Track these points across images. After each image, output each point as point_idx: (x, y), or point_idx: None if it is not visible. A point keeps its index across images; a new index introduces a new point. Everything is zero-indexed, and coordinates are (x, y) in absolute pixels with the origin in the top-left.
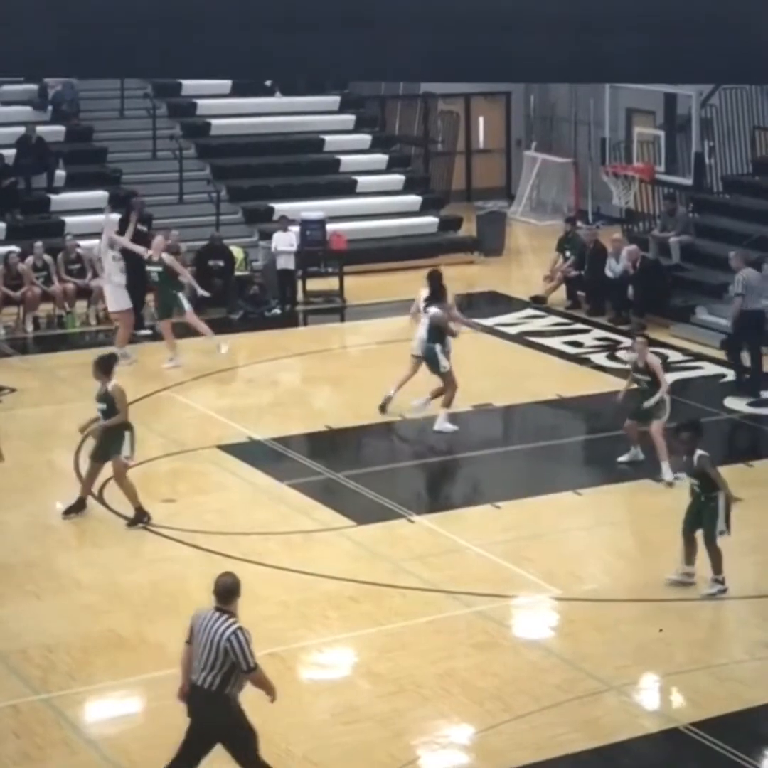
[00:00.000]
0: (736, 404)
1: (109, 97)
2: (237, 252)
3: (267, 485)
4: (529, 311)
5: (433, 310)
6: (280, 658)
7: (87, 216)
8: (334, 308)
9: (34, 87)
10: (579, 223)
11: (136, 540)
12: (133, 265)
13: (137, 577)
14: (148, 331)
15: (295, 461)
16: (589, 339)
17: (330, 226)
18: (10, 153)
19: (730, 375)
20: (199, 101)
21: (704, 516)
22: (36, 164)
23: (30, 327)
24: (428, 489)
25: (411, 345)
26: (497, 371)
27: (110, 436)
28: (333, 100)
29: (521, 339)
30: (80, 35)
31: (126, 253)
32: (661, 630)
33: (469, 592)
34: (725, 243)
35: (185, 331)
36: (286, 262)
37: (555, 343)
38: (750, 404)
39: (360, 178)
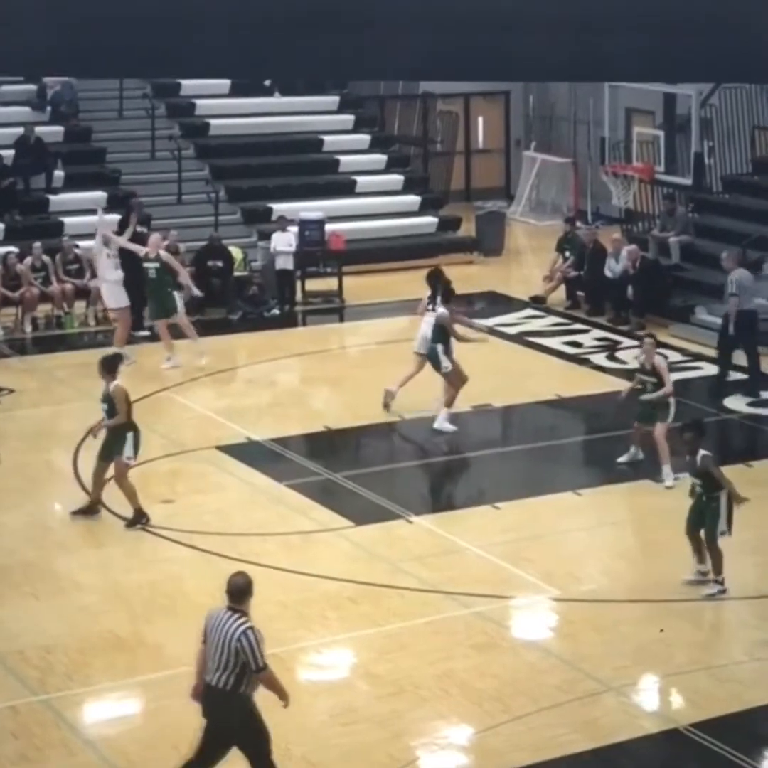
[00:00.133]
0: (736, 404)
1: (108, 97)
2: (236, 252)
3: (265, 486)
4: (529, 311)
5: (441, 309)
6: (278, 659)
7: (86, 216)
8: (333, 308)
9: (32, 87)
10: (578, 223)
11: (135, 541)
12: (131, 265)
13: (135, 577)
14: (146, 332)
15: (293, 462)
16: (588, 339)
17: (329, 227)
18: (8, 153)
19: (730, 375)
20: (198, 101)
21: (706, 516)
22: (35, 165)
23: (28, 327)
24: (427, 489)
25: (413, 343)
26: (497, 371)
27: (113, 437)
28: (332, 100)
29: (521, 339)
30: (80, 35)
31: (124, 253)
32: (661, 630)
33: (468, 592)
34: (725, 243)
35: (179, 332)
36: (284, 263)
37: (554, 343)
38: (749, 404)
39: (359, 178)
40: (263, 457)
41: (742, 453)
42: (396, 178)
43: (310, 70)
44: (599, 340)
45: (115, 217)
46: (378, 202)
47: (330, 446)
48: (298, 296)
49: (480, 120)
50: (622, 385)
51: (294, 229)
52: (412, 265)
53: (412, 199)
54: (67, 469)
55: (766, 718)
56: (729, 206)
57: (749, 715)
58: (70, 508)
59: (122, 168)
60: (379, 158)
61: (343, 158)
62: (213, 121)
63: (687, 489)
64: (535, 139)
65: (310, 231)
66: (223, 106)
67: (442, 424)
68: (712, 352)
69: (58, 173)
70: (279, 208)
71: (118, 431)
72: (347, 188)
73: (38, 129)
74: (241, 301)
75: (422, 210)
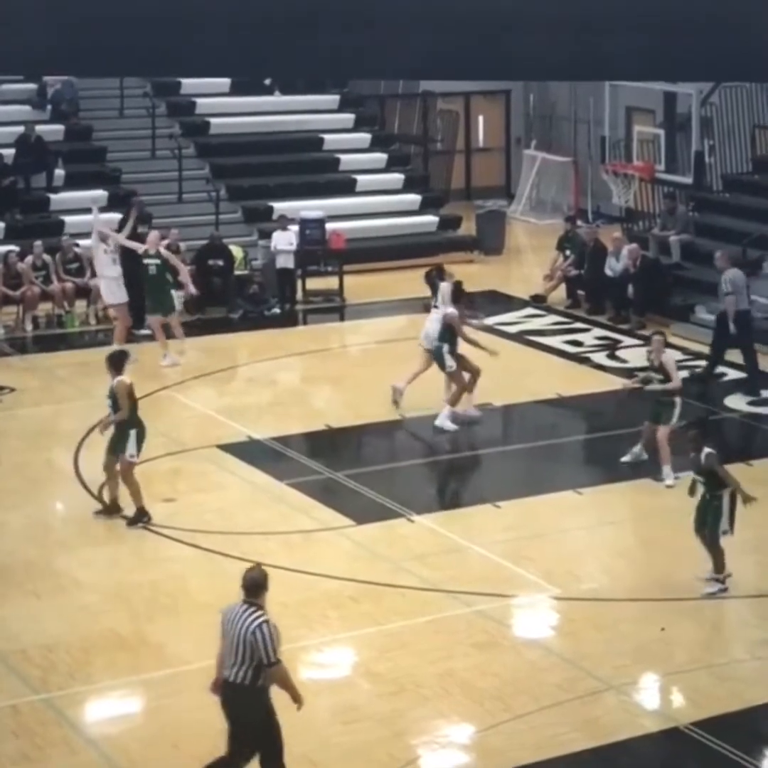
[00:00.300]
0: (737, 403)
1: (109, 96)
2: (236, 251)
3: (267, 485)
4: (529, 310)
5: (450, 309)
6: None
7: (86, 215)
8: (334, 307)
9: (33, 86)
10: (579, 222)
11: (136, 540)
12: (131, 264)
13: (137, 576)
14: (148, 331)
15: (294, 460)
16: (588, 338)
17: (329, 225)
18: (9, 152)
19: (730, 373)
20: (199, 100)
21: (708, 514)
22: (35, 163)
23: (29, 326)
24: (428, 488)
25: (419, 340)
26: (497, 370)
27: (117, 433)
28: (332, 98)
29: (521, 338)
30: (80, 35)
31: (123, 251)
32: (662, 629)
33: (469, 591)
34: (725, 242)
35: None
36: (285, 261)
37: (555, 342)
38: (750, 403)
39: (359, 177)
40: (264, 456)
41: (743, 452)
42: (396, 177)
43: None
44: (600, 339)
45: (112, 216)
46: (378, 200)
47: (331, 445)
48: (299, 295)
49: (480, 119)
50: (623, 384)
51: (295, 227)
52: (412, 264)
53: (413, 198)
54: (68, 468)
55: (767, 717)
56: (729, 205)
57: (750, 713)
58: (72, 508)
59: (123, 167)
60: (380, 157)
61: (343, 157)
62: (213, 120)
63: (687, 488)
64: (536, 137)
65: (311, 230)
66: (223, 105)
67: (443, 421)
68: None
69: (59, 172)
70: (280, 206)
71: (121, 428)
72: (348, 187)
73: (39, 128)
74: (241, 300)
75: (423, 209)
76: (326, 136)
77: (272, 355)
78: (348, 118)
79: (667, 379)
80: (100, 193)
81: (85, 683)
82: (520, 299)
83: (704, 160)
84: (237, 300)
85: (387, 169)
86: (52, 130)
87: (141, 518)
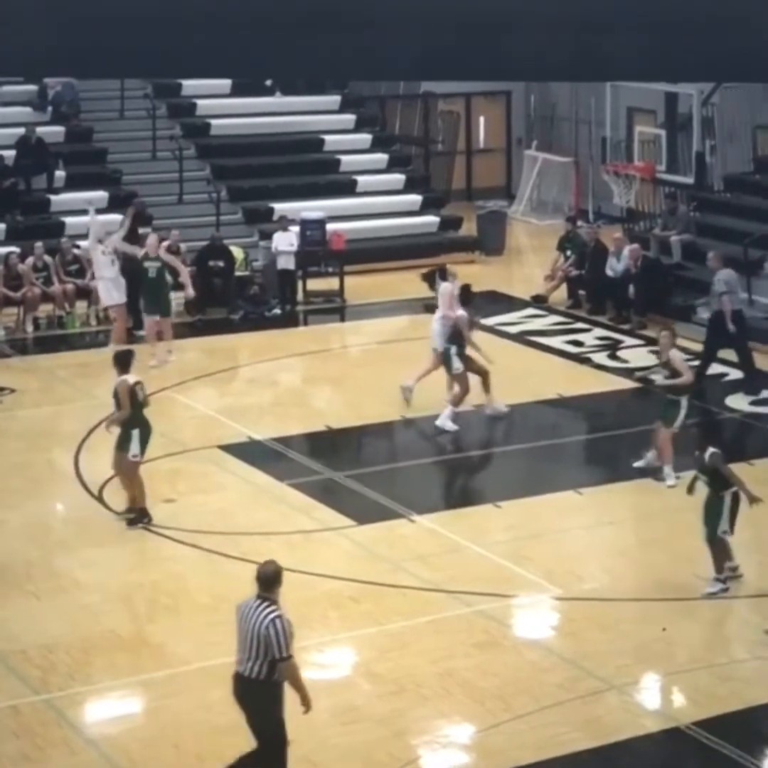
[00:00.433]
0: (738, 403)
1: (109, 97)
2: (237, 252)
3: (267, 485)
4: (530, 310)
5: (460, 312)
6: None
7: (87, 217)
8: (334, 308)
9: (33, 88)
10: (580, 223)
11: (137, 540)
12: (130, 266)
13: (137, 577)
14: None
15: (295, 461)
16: (589, 338)
17: (330, 226)
18: (10, 154)
19: (731, 374)
20: (199, 101)
21: (710, 514)
22: (36, 165)
23: (30, 328)
24: (429, 489)
25: (429, 341)
26: (498, 370)
27: (122, 432)
28: (333, 99)
29: (522, 338)
30: (80, 35)
31: (124, 253)
32: (663, 629)
33: (470, 591)
34: (726, 242)
35: (181, 331)
36: (286, 262)
37: (556, 342)
38: (751, 403)
39: (360, 178)
40: (265, 457)
41: (744, 451)
42: (397, 178)
43: (310, 70)
44: (600, 339)
45: (112, 217)
46: (379, 201)
47: (331, 445)
48: (300, 296)
49: (481, 119)
50: (623, 385)
51: (295, 228)
52: (413, 264)
53: (414, 199)
54: (69, 469)
55: None
56: (730, 205)
57: (751, 713)
58: (72, 509)
59: (123, 168)
60: (381, 158)
61: (344, 158)
62: (214, 121)
63: (686, 487)
64: (537, 138)
65: (312, 231)
66: (224, 106)
67: (444, 421)
68: None
69: (60, 173)
70: (280, 207)
71: (125, 428)
72: (348, 188)
73: (39, 129)
74: (242, 301)
75: (423, 209)
76: (327, 137)
77: (273, 356)
78: (349, 119)
79: (674, 374)
80: (96, 195)
81: (85, 684)
82: (521, 300)
83: (705, 160)
84: (238, 301)
85: (388, 170)
86: (52, 132)
87: (141, 519)
